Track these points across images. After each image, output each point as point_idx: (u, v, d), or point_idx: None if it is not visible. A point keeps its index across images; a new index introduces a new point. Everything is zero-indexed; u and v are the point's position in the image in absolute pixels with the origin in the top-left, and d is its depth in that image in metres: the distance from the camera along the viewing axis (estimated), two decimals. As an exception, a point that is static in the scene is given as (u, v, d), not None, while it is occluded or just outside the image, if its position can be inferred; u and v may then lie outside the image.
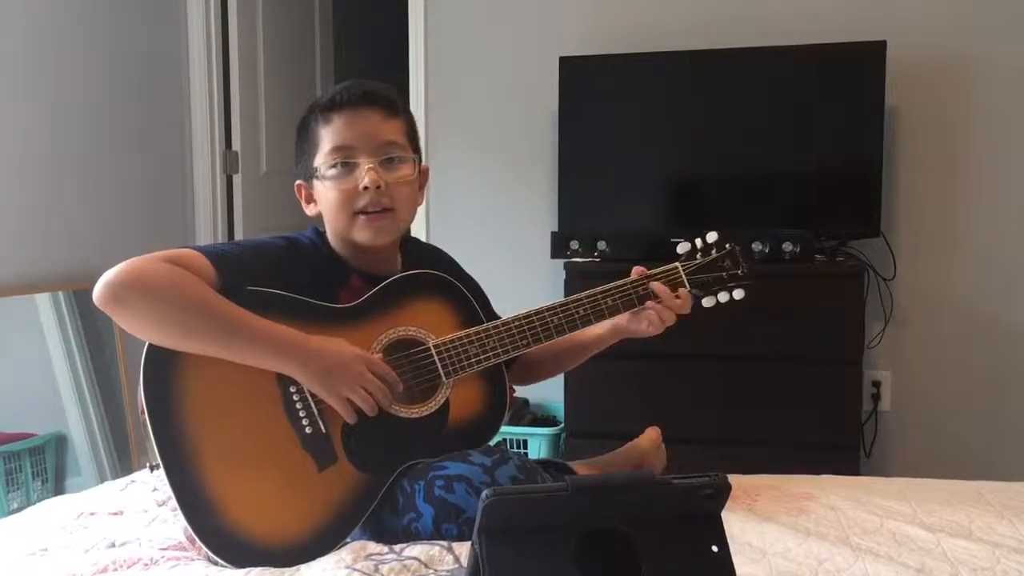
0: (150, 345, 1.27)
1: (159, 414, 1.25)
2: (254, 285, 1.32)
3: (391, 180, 1.41)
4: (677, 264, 1.52)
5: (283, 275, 1.36)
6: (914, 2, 2.87)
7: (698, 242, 1.53)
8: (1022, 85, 2.82)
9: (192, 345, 1.27)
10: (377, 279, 1.41)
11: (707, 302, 1.53)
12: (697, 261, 1.52)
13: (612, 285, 1.47)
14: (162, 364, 1.27)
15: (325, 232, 1.47)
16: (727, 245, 1.53)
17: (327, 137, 1.41)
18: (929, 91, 2.87)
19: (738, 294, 1.52)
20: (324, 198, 1.43)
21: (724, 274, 1.51)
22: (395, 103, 1.45)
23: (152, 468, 1.27)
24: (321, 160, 1.41)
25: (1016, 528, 1.34)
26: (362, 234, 1.41)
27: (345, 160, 1.40)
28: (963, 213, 2.88)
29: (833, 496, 1.49)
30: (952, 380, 2.90)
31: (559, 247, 2.71)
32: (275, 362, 1.28)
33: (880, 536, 1.31)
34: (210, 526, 1.23)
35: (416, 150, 1.48)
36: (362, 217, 1.40)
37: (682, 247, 1.54)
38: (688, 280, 1.51)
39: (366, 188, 1.38)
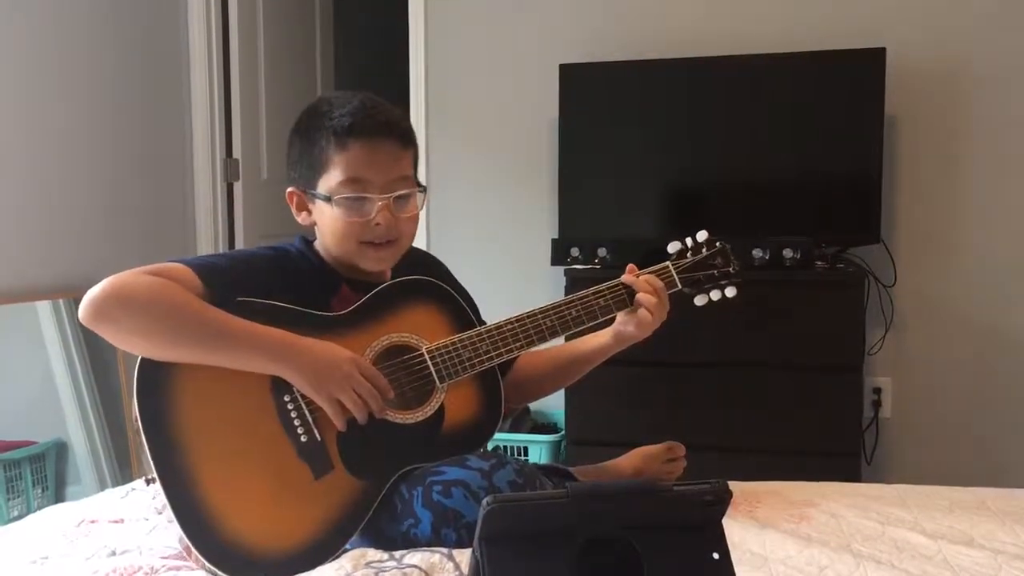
0: (142, 359, 1.27)
1: (153, 427, 1.25)
2: (243, 296, 1.32)
3: (401, 216, 1.41)
4: (668, 263, 1.53)
5: (272, 285, 1.36)
6: (913, 10, 2.87)
7: (688, 241, 1.55)
8: (1021, 93, 2.82)
9: (181, 353, 1.26)
10: (367, 287, 1.41)
11: (699, 300, 1.53)
12: (688, 260, 1.53)
13: (604, 285, 1.48)
14: (155, 378, 1.26)
15: (313, 241, 1.48)
16: (717, 243, 1.54)
17: (341, 164, 1.38)
18: (928, 98, 2.87)
19: (730, 292, 1.52)
20: (329, 223, 1.41)
21: (715, 272, 1.53)
22: (410, 133, 1.44)
23: (148, 481, 1.27)
24: (332, 187, 1.39)
25: (1018, 535, 1.34)
26: (366, 262, 1.42)
27: (359, 195, 1.39)
28: (963, 220, 2.88)
29: (834, 503, 1.49)
30: (953, 387, 2.90)
31: (560, 254, 2.71)
32: (265, 363, 1.28)
33: (881, 543, 1.31)
34: (209, 538, 1.22)
35: (417, 177, 1.48)
36: (368, 248, 1.41)
37: (672, 246, 1.55)
38: (680, 279, 1.52)
39: (377, 224, 1.39)
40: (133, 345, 1.27)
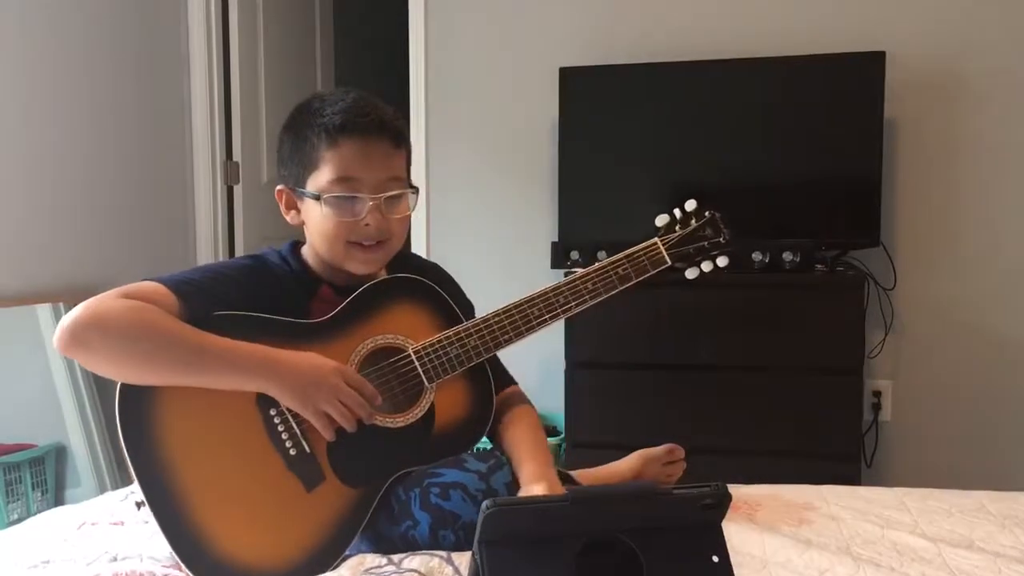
0: (122, 383, 1.24)
1: (138, 450, 1.23)
2: (220, 309, 1.29)
3: (391, 217, 1.38)
4: (656, 240, 1.47)
5: (250, 296, 1.33)
6: (913, 13, 2.88)
7: (677, 212, 1.49)
8: (1020, 96, 2.83)
9: (160, 376, 1.24)
10: (350, 290, 1.38)
11: (690, 273, 1.48)
12: (676, 233, 1.47)
13: (591, 268, 1.44)
14: (137, 399, 1.24)
15: (301, 245, 1.45)
16: (707, 213, 1.48)
17: (332, 163, 1.35)
18: (928, 102, 2.87)
19: (722, 261, 1.47)
20: (317, 223, 1.38)
21: (705, 243, 1.47)
22: (403, 133, 1.41)
23: (139, 505, 1.25)
24: (321, 186, 1.36)
25: (1017, 538, 1.34)
26: (354, 264, 1.39)
27: (349, 194, 1.35)
28: (963, 223, 2.88)
29: (834, 506, 1.49)
30: (953, 389, 2.90)
31: (559, 257, 2.71)
32: (247, 381, 1.26)
33: (881, 546, 1.31)
34: (202, 559, 1.21)
35: (409, 178, 1.45)
36: (357, 250, 1.38)
37: (660, 219, 1.49)
38: (669, 255, 1.45)
39: (367, 225, 1.36)
40: (110, 371, 1.24)
